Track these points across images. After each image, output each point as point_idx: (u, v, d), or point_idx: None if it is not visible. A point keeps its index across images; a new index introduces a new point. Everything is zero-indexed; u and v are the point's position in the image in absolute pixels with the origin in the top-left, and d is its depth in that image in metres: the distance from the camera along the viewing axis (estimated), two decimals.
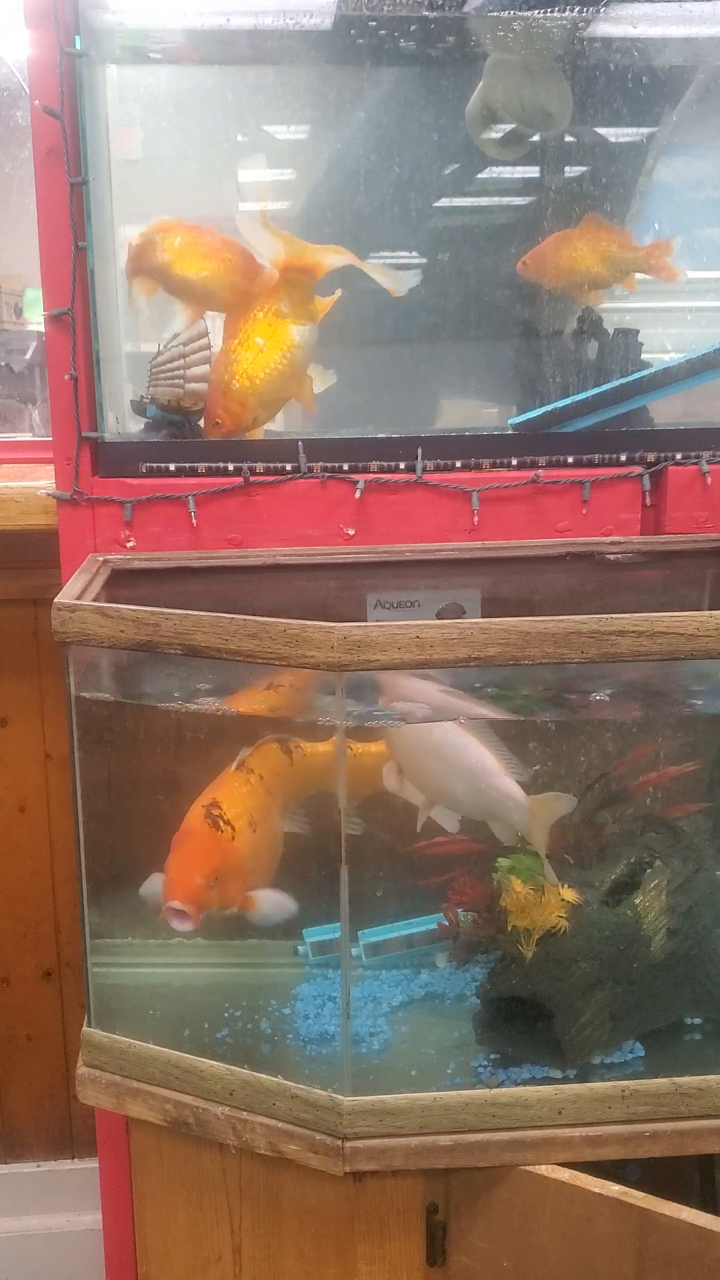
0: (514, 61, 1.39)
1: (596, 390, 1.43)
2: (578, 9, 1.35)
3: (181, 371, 1.36)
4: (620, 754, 1.31)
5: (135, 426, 1.46)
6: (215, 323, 1.40)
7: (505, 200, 1.55)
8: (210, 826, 1.25)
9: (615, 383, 1.44)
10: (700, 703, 1.21)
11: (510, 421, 1.45)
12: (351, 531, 1.39)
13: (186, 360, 1.36)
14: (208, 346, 1.37)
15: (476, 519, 1.40)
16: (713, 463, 1.42)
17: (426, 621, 1.02)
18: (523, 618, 1.02)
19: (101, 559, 1.35)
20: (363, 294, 1.43)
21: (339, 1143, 1.09)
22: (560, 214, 1.46)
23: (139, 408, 1.40)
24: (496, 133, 1.45)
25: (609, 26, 1.39)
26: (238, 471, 1.37)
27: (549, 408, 1.43)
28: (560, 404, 1.43)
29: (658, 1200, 1.04)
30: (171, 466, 1.37)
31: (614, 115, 1.46)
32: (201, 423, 1.41)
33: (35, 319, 2.12)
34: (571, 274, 1.46)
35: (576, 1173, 1.09)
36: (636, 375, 1.44)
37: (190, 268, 1.38)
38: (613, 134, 1.48)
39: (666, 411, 1.50)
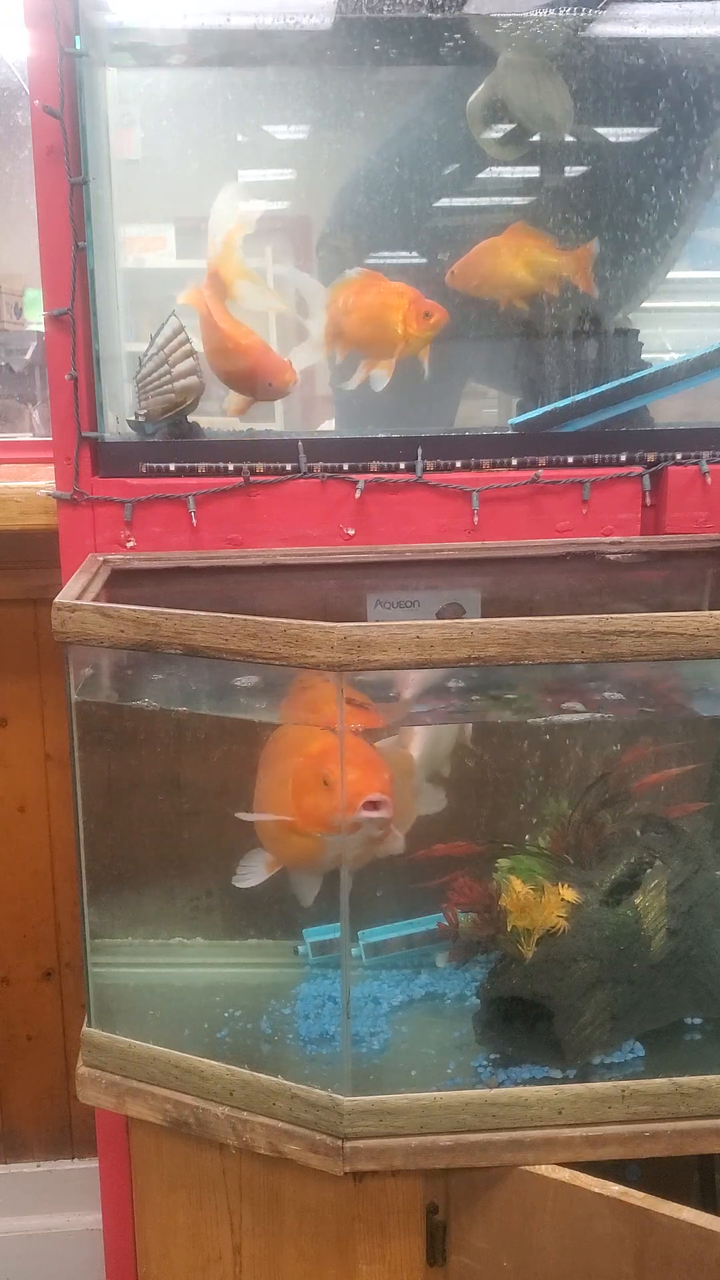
0: (526, 62, 1.39)
1: (596, 390, 1.43)
2: (599, 9, 1.35)
3: (168, 371, 1.36)
4: (620, 754, 1.32)
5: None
6: (192, 319, 1.40)
7: (505, 200, 1.55)
8: (354, 735, 1.20)
9: (615, 383, 1.44)
10: (701, 703, 1.21)
11: (510, 421, 1.45)
12: (351, 531, 1.39)
13: (170, 361, 1.35)
14: (187, 340, 1.36)
15: (476, 519, 1.40)
16: (713, 463, 1.42)
17: (426, 621, 1.02)
18: (523, 618, 1.02)
19: (101, 559, 1.35)
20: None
21: (339, 1143, 1.09)
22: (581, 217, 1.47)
23: (136, 426, 1.40)
24: (497, 132, 1.45)
25: (617, 27, 1.39)
26: (238, 471, 1.37)
27: (548, 408, 1.43)
28: (560, 404, 1.43)
29: (658, 1200, 1.04)
30: (171, 466, 1.37)
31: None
32: (234, 399, 1.43)
33: (35, 319, 2.12)
34: (499, 281, 1.46)
35: (576, 1173, 1.09)
36: (636, 375, 1.44)
37: (359, 323, 1.43)
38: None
39: (667, 411, 1.49)
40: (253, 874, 1.25)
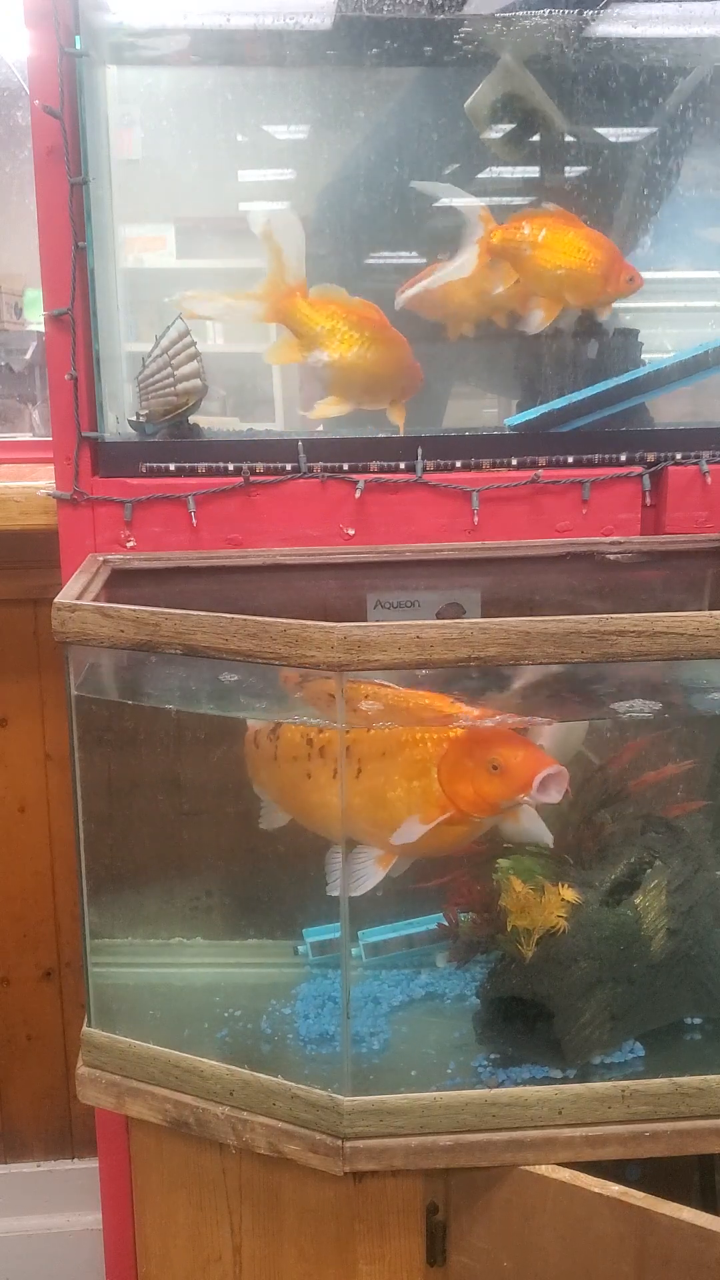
0: (525, 61, 1.40)
1: (590, 391, 1.43)
2: (586, 10, 1.35)
3: (172, 373, 1.36)
4: (617, 753, 1.31)
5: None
6: (193, 320, 1.39)
7: (504, 200, 1.54)
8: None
9: (609, 383, 1.44)
10: (701, 702, 1.21)
11: (507, 422, 1.45)
12: (351, 531, 1.39)
13: (174, 364, 1.36)
14: (193, 343, 1.37)
15: (476, 519, 1.40)
16: (713, 463, 1.42)
17: (426, 621, 1.02)
18: (523, 618, 1.02)
19: (101, 559, 1.35)
20: (365, 295, 1.43)
21: (339, 1143, 1.09)
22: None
23: (137, 426, 1.40)
24: (497, 132, 1.45)
25: (616, 26, 1.39)
26: (238, 471, 1.37)
27: (545, 408, 1.43)
28: (557, 404, 1.43)
29: (658, 1200, 1.04)
30: (171, 466, 1.37)
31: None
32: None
33: (35, 319, 2.12)
34: (445, 306, 1.46)
35: (576, 1173, 1.09)
36: (630, 376, 1.44)
37: (552, 260, 1.39)
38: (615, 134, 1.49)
39: (669, 411, 1.49)
40: (370, 874, 1.20)
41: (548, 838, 1.21)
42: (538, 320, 1.41)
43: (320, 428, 1.48)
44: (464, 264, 1.41)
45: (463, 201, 1.42)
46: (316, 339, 1.39)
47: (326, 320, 1.40)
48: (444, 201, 1.48)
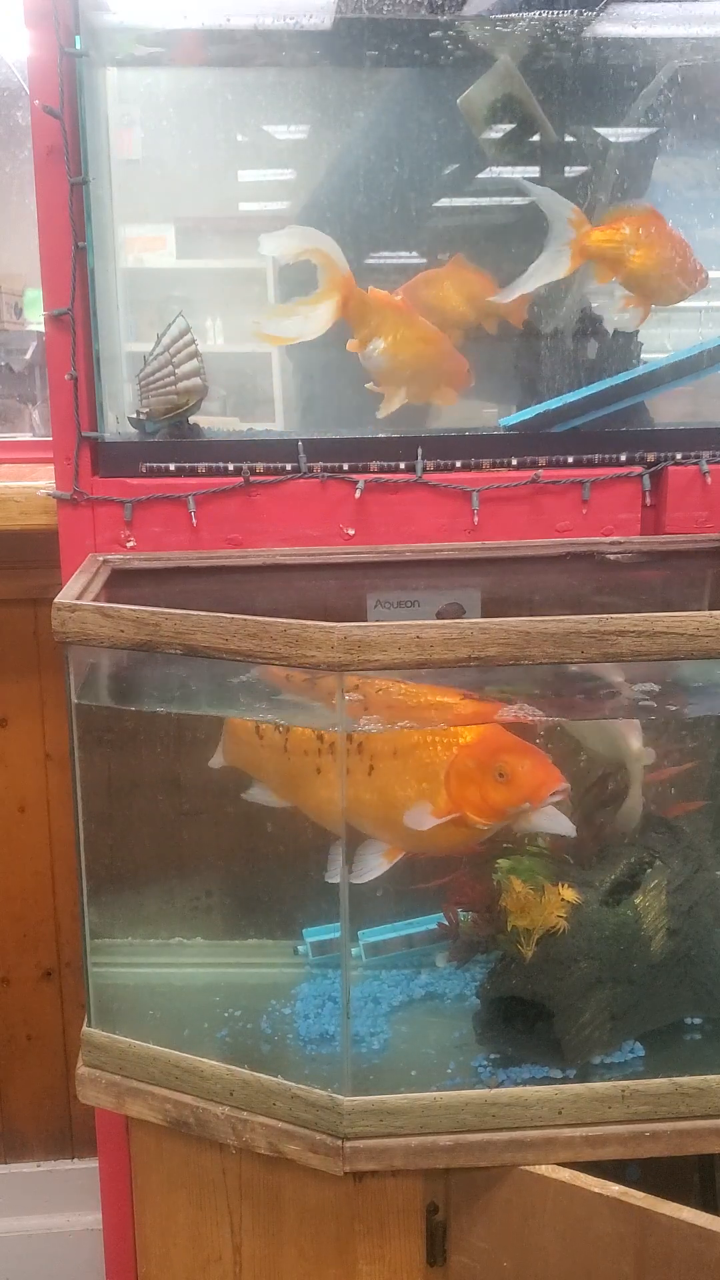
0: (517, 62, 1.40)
1: (584, 392, 1.43)
2: (579, 10, 1.35)
3: (172, 372, 1.36)
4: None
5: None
6: (194, 320, 1.39)
7: (504, 200, 1.55)
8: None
9: (603, 384, 1.44)
10: (702, 702, 1.21)
11: (501, 422, 1.45)
12: (351, 531, 1.39)
13: (175, 362, 1.36)
14: (193, 341, 1.37)
15: (476, 519, 1.40)
16: (713, 463, 1.42)
17: (426, 621, 1.02)
18: (523, 618, 1.02)
19: (101, 559, 1.35)
20: None
21: (339, 1143, 1.09)
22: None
23: (137, 424, 1.40)
24: (497, 132, 1.45)
25: (610, 26, 1.39)
26: (238, 471, 1.37)
27: (540, 408, 1.43)
28: (552, 405, 1.43)
29: (658, 1200, 1.04)
30: (171, 466, 1.37)
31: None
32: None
33: (35, 319, 2.12)
34: (438, 312, 1.46)
35: (576, 1173, 1.09)
36: (624, 376, 1.44)
37: (651, 260, 1.40)
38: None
39: (669, 411, 1.49)
40: (373, 866, 1.20)
41: (570, 830, 1.20)
42: (637, 319, 1.43)
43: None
44: (557, 266, 1.40)
45: (552, 201, 1.41)
46: (377, 329, 1.40)
47: (383, 309, 1.41)
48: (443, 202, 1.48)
